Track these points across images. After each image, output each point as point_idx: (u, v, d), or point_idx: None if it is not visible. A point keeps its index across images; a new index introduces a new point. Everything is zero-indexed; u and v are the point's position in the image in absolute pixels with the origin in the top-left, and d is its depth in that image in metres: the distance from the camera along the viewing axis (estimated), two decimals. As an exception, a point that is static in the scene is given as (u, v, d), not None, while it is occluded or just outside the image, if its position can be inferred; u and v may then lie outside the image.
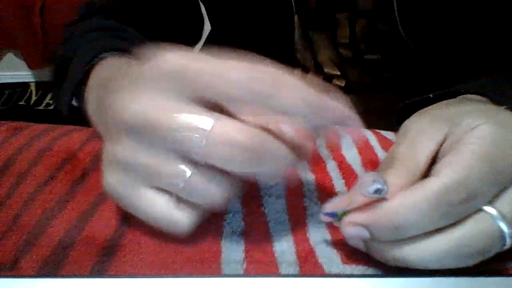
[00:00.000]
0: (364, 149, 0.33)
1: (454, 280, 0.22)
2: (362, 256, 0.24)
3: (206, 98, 0.21)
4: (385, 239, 0.22)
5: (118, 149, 0.22)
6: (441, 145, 0.24)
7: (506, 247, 0.22)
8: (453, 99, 0.29)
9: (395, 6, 0.41)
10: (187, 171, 0.22)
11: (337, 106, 0.24)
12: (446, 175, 0.21)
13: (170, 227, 0.23)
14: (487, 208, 0.21)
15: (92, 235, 0.25)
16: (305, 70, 0.54)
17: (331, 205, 0.24)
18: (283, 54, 0.51)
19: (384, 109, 0.42)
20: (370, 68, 0.51)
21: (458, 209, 0.21)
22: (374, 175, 0.23)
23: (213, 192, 0.22)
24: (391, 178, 0.23)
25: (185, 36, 0.58)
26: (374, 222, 0.22)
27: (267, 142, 0.21)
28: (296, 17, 0.46)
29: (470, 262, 0.22)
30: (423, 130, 0.25)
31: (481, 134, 0.22)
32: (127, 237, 0.25)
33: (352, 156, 0.33)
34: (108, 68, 0.34)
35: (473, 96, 0.31)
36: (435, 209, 0.21)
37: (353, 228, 0.23)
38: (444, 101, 0.29)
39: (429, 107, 0.28)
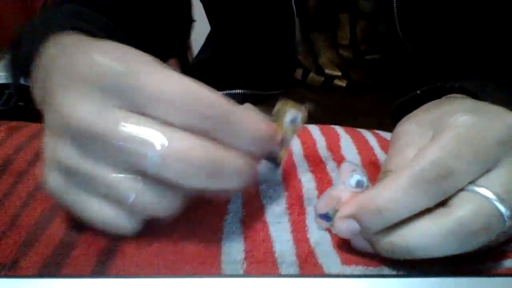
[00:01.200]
0: (364, 149, 0.34)
1: (454, 280, 0.22)
2: (362, 257, 0.24)
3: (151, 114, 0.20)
4: (373, 227, 0.23)
5: (62, 152, 0.21)
6: None
7: (507, 225, 0.22)
8: (439, 100, 0.30)
9: (395, 8, 0.41)
10: (136, 184, 0.21)
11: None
12: (422, 156, 0.22)
13: (113, 231, 0.23)
14: (481, 190, 0.22)
15: (92, 235, 0.25)
16: (306, 71, 0.54)
17: (323, 205, 0.25)
18: (284, 56, 0.51)
19: (385, 110, 0.42)
20: (370, 68, 0.51)
21: (437, 187, 0.22)
22: (352, 164, 0.24)
23: (160, 205, 0.22)
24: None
25: (170, 32, 0.57)
26: (359, 211, 0.23)
27: (222, 159, 0.21)
28: (296, 19, 0.46)
29: (473, 244, 0.22)
30: (410, 137, 0.26)
31: (459, 122, 0.23)
32: (127, 237, 0.25)
33: (352, 157, 0.33)
34: (57, 46, 0.31)
35: (458, 94, 0.32)
36: (414, 188, 0.22)
37: (342, 222, 0.23)
38: (431, 102, 0.29)
39: (416, 110, 0.29)
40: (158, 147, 0.20)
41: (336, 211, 0.24)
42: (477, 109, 0.25)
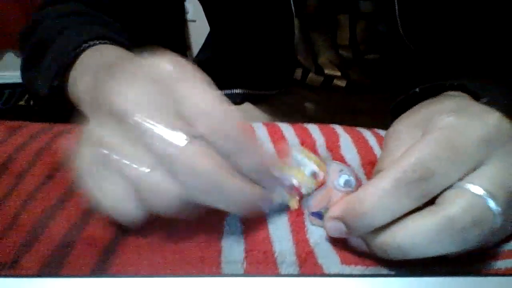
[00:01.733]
0: (364, 149, 0.34)
1: (454, 280, 0.22)
2: (361, 257, 0.25)
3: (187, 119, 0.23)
4: (359, 229, 0.23)
5: (98, 128, 0.24)
6: None
7: (499, 221, 0.22)
8: (434, 98, 0.30)
9: (397, 8, 0.41)
10: (148, 166, 0.22)
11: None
12: (403, 158, 0.23)
13: (119, 214, 0.23)
14: (470, 187, 0.22)
15: (92, 235, 0.25)
16: (305, 71, 0.54)
17: (315, 203, 0.25)
18: (283, 56, 0.51)
19: (385, 110, 0.42)
20: (370, 68, 0.51)
21: (419, 189, 0.22)
22: (339, 164, 0.24)
23: (166, 196, 0.22)
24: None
25: (163, 29, 0.57)
26: (345, 213, 0.23)
27: (227, 179, 0.22)
28: (296, 19, 0.46)
29: (465, 241, 0.22)
30: (400, 138, 0.26)
31: (443, 124, 0.24)
32: (127, 236, 0.25)
33: (351, 156, 0.33)
34: (101, 53, 0.35)
35: (456, 92, 0.32)
36: (396, 190, 0.22)
37: (330, 223, 0.24)
38: (425, 102, 0.29)
39: (410, 110, 0.29)
40: (177, 144, 0.22)
41: (328, 209, 0.25)
42: (462, 109, 0.25)
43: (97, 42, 0.36)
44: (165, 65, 0.24)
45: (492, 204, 0.22)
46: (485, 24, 0.42)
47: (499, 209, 0.22)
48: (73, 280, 0.21)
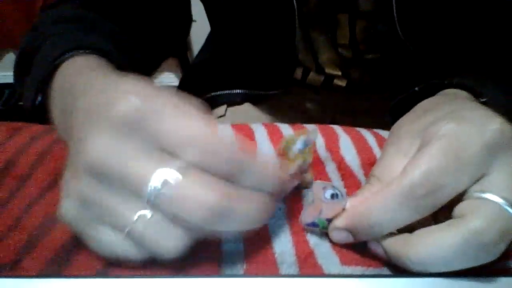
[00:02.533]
0: (363, 150, 0.34)
1: (454, 280, 0.22)
2: (361, 257, 0.25)
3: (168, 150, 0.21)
4: (365, 238, 0.24)
5: (78, 183, 0.22)
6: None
7: None
8: (432, 98, 0.30)
9: (394, 8, 0.41)
10: (147, 214, 0.21)
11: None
12: (409, 171, 0.22)
13: (122, 260, 0.22)
14: (489, 196, 0.22)
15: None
16: (306, 70, 0.54)
17: (306, 216, 0.26)
18: (284, 55, 0.51)
19: (385, 109, 0.42)
20: (370, 68, 0.51)
21: (427, 202, 0.22)
22: (321, 183, 0.25)
23: (167, 242, 0.21)
24: (365, 193, 0.25)
25: (171, 32, 0.56)
26: (351, 224, 0.24)
27: (233, 205, 0.20)
28: (297, 18, 0.46)
29: (491, 254, 0.21)
30: (398, 146, 0.26)
31: (444, 132, 0.23)
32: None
33: (351, 157, 0.33)
34: (75, 70, 0.32)
35: (455, 90, 0.32)
36: (404, 204, 0.22)
37: (336, 233, 0.25)
38: (423, 103, 0.29)
39: (408, 113, 0.29)
40: (171, 185, 0.20)
41: (321, 219, 0.25)
42: (461, 114, 0.25)
43: (79, 52, 0.33)
44: (132, 102, 0.21)
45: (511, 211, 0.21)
46: (483, 24, 0.42)
47: None
48: (74, 280, 0.22)
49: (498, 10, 0.42)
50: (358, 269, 0.24)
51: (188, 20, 0.60)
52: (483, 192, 0.22)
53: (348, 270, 0.24)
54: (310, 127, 0.26)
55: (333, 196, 0.24)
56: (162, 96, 0.21)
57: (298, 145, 0.26)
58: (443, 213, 0.23)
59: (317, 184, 0.26)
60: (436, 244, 0.21)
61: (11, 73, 0.48)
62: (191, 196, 0.20)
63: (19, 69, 0.41)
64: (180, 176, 0.20)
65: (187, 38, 0.65)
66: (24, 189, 0.29)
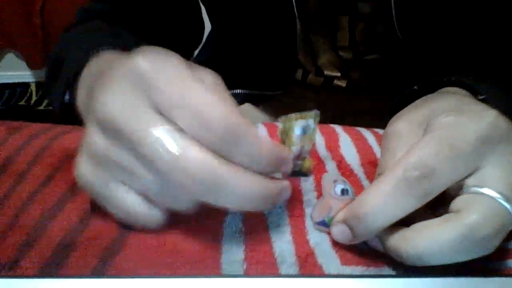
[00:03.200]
0: (363, 149, 0.34)
1: (454, 280, 0.22)
2: (361, 257, 0.25)
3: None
4: (363, 232, 0.23)
5: (94, 142, 0.23)
6: None
7: None
8: (431, 95, 0.30)
9: (393, 10, 0.42)
10: (156, 176, 0.22)
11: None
12: (402, 159, 0.23)
13: (138, 223, 0.24)
14: (485, 190, 0.22)
15: (92, 235, 0.25)
16: (306, 72, 0.54)
17: (317, 214, 0.26)
18: (285, 57, 0.51)
19: (385, 110, 0.42)
20: (370, 69, 0.51)
21: (421, 188, 0.22)
22: (332, 174, 0.25)
23: (181, 198, 0.22)
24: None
25: (185, 41, 0.58)
26: (349, 217, 0.23)
27: (228, 176, 0.21)
28: (298, 21, 0.47)
29: (486, 248, 0.21)
30: (401, 138, 0.26)
31: (441, 123, 0.24)
32: (127, 237, 0.25)
33: (351, 156, 0.33)
34: (100, 62, 0.33)
35: (454, 88, 0.32)
36: (398, 191, 0.22)
37: (335, 228, 0.24)
38: (421, 99, 0.29)
39: (406, 108, 0.29)
40: (171, 153, 0.20)
41: (330, 218, 0.25)
42: (460, 108, 0.25)
43: (102, 48, 0.35)
44: (142, 63, 0.22)
45: (508, 206, 0.21)
46: (481, 24, 0.42)
47: None
48: (73, 280, 0.21)
49: (495, 11, 0.42)
50: (358, 269, 0.24)
51: (200, 28, 0.61)
52: (479, 186, 0.22)
53: (348, 270, 0.24)
54: (312, 111, 0.26)
55: (343, 191, 0.24)
56: (173, 61, 0.22)
57: (296, 131, 0.25)
58: (440, 208, 0.23)
59: (328, 177, 0.25)
60: (433, 238, 0.21)
61: (11, 73, 0.49)
62: (185, 171, 0.20)
63: (50, 79, 0.44)
64: (176, 147, 0.20)
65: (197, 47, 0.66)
66: (21, 186, 0.29)
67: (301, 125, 0.25)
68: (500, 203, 0.21)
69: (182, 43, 0.57)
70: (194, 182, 0.21)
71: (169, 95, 0.21)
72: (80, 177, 0.24)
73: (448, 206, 0.23)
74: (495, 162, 0.23)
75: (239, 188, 0.21)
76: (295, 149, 0.25)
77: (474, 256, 0.21)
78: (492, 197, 0.22)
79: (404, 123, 0.27)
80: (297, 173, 0.27)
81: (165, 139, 0.21)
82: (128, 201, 0.23)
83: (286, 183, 0.23)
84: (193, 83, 0.21)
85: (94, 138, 0.23)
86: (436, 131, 0.24)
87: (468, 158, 0.23)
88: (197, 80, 0.22)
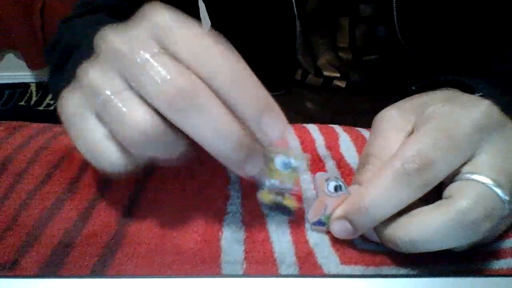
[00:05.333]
0: (363, 148, 0.33)
1: (454, 280, 0.22)
2: (361, 257, 0.25)
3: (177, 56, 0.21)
4: (363, 225, 0.23)
5: (87, 70, 0.23)
6: (410, 135, 0.25)
7: (507, 209, 0.22)
8: (425, 92, 0.30)
9: (395, 13, 0.42)
10: (134, 111, 0.21)
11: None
12: (402, 150, 0.23)
13: (100, 160, 0.23)
14: (477, 177, 0.22)
15: (91, 234, 0.25)
16: (305, 72, 0.54)
17: (312, 214, 0.26)
18: (284, 58, 0.51)
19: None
20: (369, 69, 0.51)
21: (420, 179, 0.22)
22: (323, 174, 0.25)
23: (137, 121, 0.21)
24: (369, 174, 0.25)
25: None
26: (349, 211, 0.23)
27: (203, 93, 0.21)
28: (297, 21, 0.47)
29: (477, 233, 0.22)
30: (393, 123, 0.26)
31: (437, 113, 0.24)
32: (127, 236, 0.25)
33: (351, 155, 0.33)
34: None
35: (452, 89, 0.32)
36: (397, 182, 0.22)
37: (335, 223, 0.24)
38: (416, 94, 0.29)
39: (400, 101, 0.29)
40: (159, 78, 0.20)
41: (327, 216, 0.25)
42: (452, 98, 0.26)
43: None
44: (159, 12, 0.22)
45: (500, 192, 0.22)
46: (482, 29, 0.42)
47: (507, 197, 0.22)
48: (73, 280, 0.21)
49: (495, 15, 0.42)
50: (358, 268, 0.24)
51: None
52: (471, 173, 0.22)
53: (347, 269, 0.24)
54: (303, 154, 0.26)
55: (336, 188, 0.24)
56: (184, 16, 0.22)
57: (276, 163, 0.25)
58: (435, 196, 0.23)
59: (319, 176, 0.25)
60: (425, 223, 0.22)
61: (11, 73, 0.49)
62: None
63: (55, 68, 0.44)
64: (165, 74, 0.20)
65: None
66: (20, 185, 0.29)
67: (281, 160, 0.25)
68: (491, 188, 0.22)
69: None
70: (175, 94, 0.20)
71: (178, 35, 0.21)
72: (61, 106, 0.23)
73: (441, 194, 0.23)
74: (488, 150, 0.23)
75: (213, 114, 0.21)
76: (272, 181, 0.25)
77: (467, 241, 0.22)
78: (483, 183, 0.22)
79: (395, 109, 0.27)
80: (278, 206, 0.26)
81: (157, 60, 0.21)
82: (95, 133, 0.22)
83: (259, 147, 0.23)
84: (202, 32, 0.22)
85: (90, 66, 0.23)
86: (432, 121, 0.24)
87: (465, 147, 0.23)
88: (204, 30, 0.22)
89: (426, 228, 0.22)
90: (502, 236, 0.26)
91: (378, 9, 0.45)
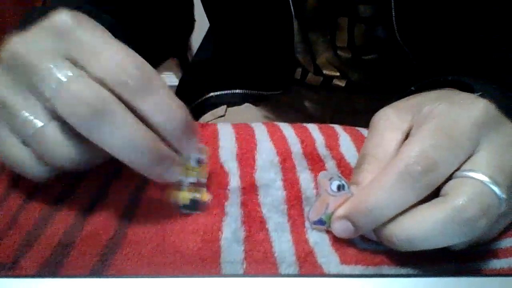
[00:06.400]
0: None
1: (454, 280, 0.22)
2: (361, 256, 0.25)
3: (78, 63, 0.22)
4: (365, 226, 0.23)
5: None
6: (407, 134, 0.26)
7: (504, 206, 0.22)
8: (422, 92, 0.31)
9: (393, 14, 0.42)
10: (39, 122, 0.22)
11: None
12: (404, 151, 0.23)
13: (24, 174, 0.24)
14: (474, 175, 0.22)
15: (91, 234, 0.25)
16: (305, 71, 0.54)
17: (314, 213, 0.26)
18: (283, 56, 0.51)
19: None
20: (369, 69, 0.51)
21: (424, 181, 0.22)
22: (326, 173, 0.25)
23: (60, 151, 0.22)
24: (366, 174, 0.25)
25: (172, 32, 0.57)
26: (351, 211, 0.23)
27: (113, 107, 0.21)
28: (295, 21, 0.47)
29: (474, 231, 0.22)
30: (390, 122, 0.26)
31: (436, 112, 0.24)
32: (127, 236, 0.25)
33: (351, 155, 0.33)
34: None
35: (452, 89, 0.32)
36: (401, 184, 0.22)
37: (337, 223, 0.24)
38: (414, 94, 0.30)
39: (398, 100, 0.29)
40: (59, 80, 0.21)
41: (328, 215, 0.25)
42: (449, 97, 0.26)
43: None
44: (62, 16, 0.23)
45: (496, 190, 0.22)
46: (482, 29, 0.42)
47: (503, 194, 0.22)
48: (73, 280, 0.21)
49: (494, 17, 0.42)
50: (358, 268, 0.24)
51: (190, 20, 0.60)
52: (468, 171, 0.23)
53: (347, 269, 0.24)
54: (201, 144, 0.26)
55: (339, 187, 0.25)
56: (93, 22, 0.23)
57: (192, 162, 0.26)
58: (431, 194, 0.23)
59: (323, 175, 0.26)
60: (422, 221, 0.22)
61: None
62: (76, 96, 0.21)
63: None
64: (72, 78, 0.21)
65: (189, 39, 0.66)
66: (20, 184, 0.28)
67: (195, 157, 0.26)
68: (488, 186, 0.22)
69: (168, 33, 0.57)
70: (81, 106, 0.20)
71: (85, 44, 0.22)
72: None
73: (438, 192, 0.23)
74: (486, 148, 0.23)
75: (125, 125, 0.21)
76: (190, 178, 0.26)
77: (464, 238, 0.22)
78: (479, 180, 0.22)
79: (391, 109, 0.27)
80: (194, 203, 0.27)
81: (59, 68, 0.21)
82: (15, 149, 0.23)
83: (177, 156, 0.23)
84: (109, 38, 0.23)
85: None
86: (431, 120, 0.24)
87: (466, 146, 0.23)
88: (112, 37, 0.23)
89: (423, 225, 0.22)
90: (502, 235, 0.26)
91: (377, 10, 0.45)
